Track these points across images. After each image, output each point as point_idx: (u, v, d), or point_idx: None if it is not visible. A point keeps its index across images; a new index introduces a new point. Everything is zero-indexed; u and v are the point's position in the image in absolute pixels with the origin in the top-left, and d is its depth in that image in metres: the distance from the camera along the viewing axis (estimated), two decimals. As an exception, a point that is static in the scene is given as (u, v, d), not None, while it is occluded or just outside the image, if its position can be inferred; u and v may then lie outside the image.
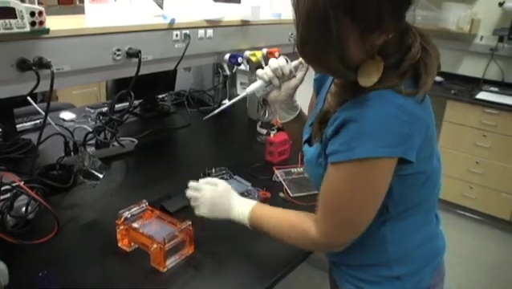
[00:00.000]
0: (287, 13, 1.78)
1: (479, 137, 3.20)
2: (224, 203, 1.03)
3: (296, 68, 1.04)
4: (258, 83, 1.05)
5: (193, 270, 1.03)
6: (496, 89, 3.37)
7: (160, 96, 2.31)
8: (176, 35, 1.27)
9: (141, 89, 1.98)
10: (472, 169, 3.27)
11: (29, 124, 1.80)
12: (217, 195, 1.03)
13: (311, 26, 0.74)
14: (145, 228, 1.05)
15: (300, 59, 1.05)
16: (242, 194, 1.28)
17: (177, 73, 2.25)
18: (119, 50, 1.14)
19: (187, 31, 1.29)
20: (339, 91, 0.88)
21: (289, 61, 1.04)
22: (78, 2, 3.68)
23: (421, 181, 0.88)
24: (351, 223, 0.86)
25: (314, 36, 0.75)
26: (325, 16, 0.72)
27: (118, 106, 1.74)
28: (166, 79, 2.19)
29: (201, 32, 1.34)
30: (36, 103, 1.67)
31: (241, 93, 1.08)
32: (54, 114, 1.96)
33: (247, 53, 1.52)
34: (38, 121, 1.81)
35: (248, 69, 1.59)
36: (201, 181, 1.07)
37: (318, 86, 1.05)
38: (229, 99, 1.99)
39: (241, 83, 2.70)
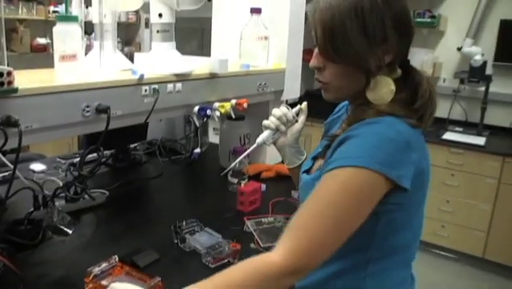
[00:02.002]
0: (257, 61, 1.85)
1: (447, 176, 3.30)
2: None
3: (297, 113, 1.18)
4: (266, 133, 1.18)
5: (163, 327, 1.01)
6: (460, 129, 3.52)
7: (132, 146, 2.32)
8: (145, 90, 1.30)
9: (113, 139, 1.99)
10: (443, 208, 3.35)
11: (-5, 177, 1.78)
12: None
13: (332, 27, 0.86)
14: (114, 285, 1.04)
15: (299, 106, 1.20)
16: (213, 246, 1.29)
17: (149, 122, 2.27)
18: (88, 106, 1.16)
19: (156, 86, 1.32)
20: (350, 117, 0.94)
21: (290, 108, 1.18)
22: (51, 50, 3.71)
23: (407, 220, 0.90)
24: (322, 237, 0.78)
25: (333, 37, 0.86)
26: (342, 18, 0.85)
27: (90, 156, 1.75)
28: (138, 129, 2.21)
29: (169, 86, 1.38)
30: (5, 154, 1.65)
31: (253, 144, 1.20)
32: (24, 165, 1.93)
33: (216, 104, 1.56)
34: (6, 173, 1.79)
35: (217, 119, 1.63)
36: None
37: (327, 128, 1.13)
38: (201, 148, 2.02)
39: (214, 129, 2.74)
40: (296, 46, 2.02)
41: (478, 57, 3.35)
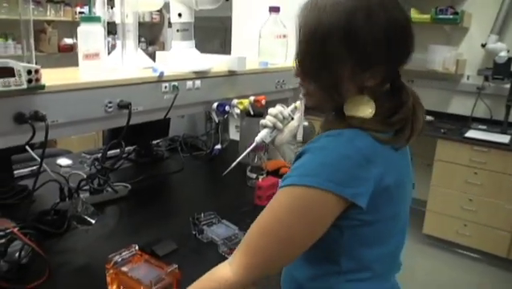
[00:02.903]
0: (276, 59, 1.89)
1: (470, 175, 3.26)
2: None
3: (293, 112, 1.22)
4: (264, 131, 1.21)
5: (179, 312, 1.06)
6: (484, 127, 3.46)
7: (155, 142, 2.39)
8: (165, 87, 1.36)
9: (136, 136, 2.06)
10: (465, 207, 3.31)
11: (26, 170, 1.86)
12: None
13: (313, 43, 0.80)
14: (134, 272, 1.09)
15: (294, 104, 1.22)
16: (229, 238, 1.33)
17: (171, 119, 2.33)
18: (110, 102, 1.21)
19: (175, 83, 1.37)
20: (323, 123, 0.93)
21: (285, 107, 1.22)
22: (77, 50, 3.83)
23: (378, 236, 0.86)
24: (269, 254, 0.83)
25: (313, 54, 0.81)
26: (324, 37, 0.78)
27: (113, 152, 1.82)
28: (160, 126, 2.27)
29: (189, 83, 1.43)
30: (34, 149, 1.73)
31: (252, 144, 1.22)
32: (51, 160, 2.03)
33: (235, 101, 1.61)
34: (34, 167, 1.87)
35: (236, 116, 1.66)
36: None
37: None
38: (222, 144, 2.07)
39: (236, 127, 2.78)
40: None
41: (503, 53, 3.29)
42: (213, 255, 1.30)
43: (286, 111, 1.21)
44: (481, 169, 3.21)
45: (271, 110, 1.21)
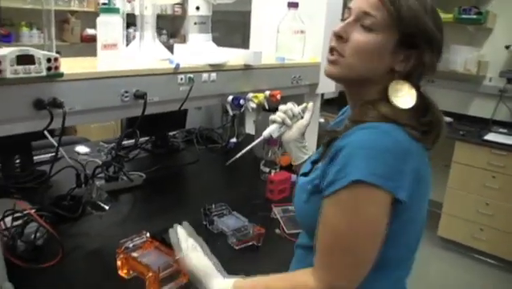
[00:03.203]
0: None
1: (488, 178, 3.21)
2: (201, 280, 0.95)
3: (303, 110, 1.23)
4: (273, 126, 1.22)
5: (186, 298, 1.09)
6: (505, 130, 3.41)
7: (171, 133, 2.42)
8: (181, 79, 1.38)
9: (153, 127, 2.10)
10: (482, 210, 3.27)
11: (45, 156, 1.91)
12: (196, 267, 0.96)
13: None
14: (143, 257, 1.12)
15: (306, 103, 1.25)
16: (239, 229, 1.35)
17: (188, 111, 2.36)
18: (127, 92, 1.24)
19: (191, 75, 1.39)
20: (353, 116, 0.89)
21: (295, 105, 1.24)
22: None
23: (401, 234, 0.85)
24: (352, 264, 0.81)
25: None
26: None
27: (131, 142, 1.86)
28: (177, 118, 2.30)
29: (204, 76, 1.45)
30: (54, 136, 1.78)
31: (260, 137, 1.24)
32: (70, 147, 2.08)
33: (250, 95, 1.62)
34: (54, 154, 1.92)
35: (251, 110, 1.68)
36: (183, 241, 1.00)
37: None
38: (237, 138, 2.09)
39: (254, 122, 2.81)
40: (332, 40, 2.04)
41: (527, 56, 3.24)
42: (222, 246, 1.33)
43: (297, 109, 1.23)
44: (500, 173, 3.16)
45: (282, 106, 1.23)
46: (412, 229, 0.88)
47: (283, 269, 1.10)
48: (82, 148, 2.08)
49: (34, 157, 1.81)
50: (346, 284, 0.81)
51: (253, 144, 1.24)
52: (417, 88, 0.89)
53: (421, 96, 0.88)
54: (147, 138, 2.24)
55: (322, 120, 2.57)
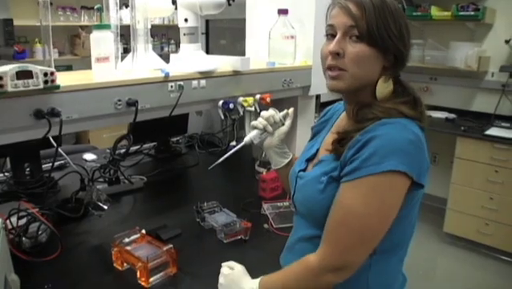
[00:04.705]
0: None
1: (491, 173, 3.23)
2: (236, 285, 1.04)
3: (284, 117, 1.25)
4: (254, 132, 1.24)
5: (173, 287, 1.19)
6: (507, 124, 3.42)
7: (174, 139, 2.54)
8: (171, 86, 1.48)
9: (155, 132, 2.21)
10: (486, 205, 3.28)
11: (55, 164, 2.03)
12: (230, 278, 1.06)
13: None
14: (135, 250, 1.23)
15: (287, 110, 1.27)
16: (227, 224, 1.45)
17: (189, 117, 2.47)
18: (120, 100, 1.35)
19: (181, 82, 1.50)
20: (358, 116, 0.97)
21: (277, 111, 1.26)
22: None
23: (410, 216, 0.95)
24: (358, 243, 0.89)
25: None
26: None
27: (135, 148, 1.99)
28: (179, 123, 2.42)
29: (194, 83, 1.55)
30: (61, 145, 1.91)
31: (241, 142, 1.27)
32: (79, 155, 2.22)
33: (240, 99, 1.72)
34: (62, 161, 2.05)
35: (241, 113, 1.77)
36: (223, 264, 1.10)
37: (316, 132, 1.20)
38: (237, 141, 2.18)
39: (250, 125, 2.90)
40: (322, 44, 2.12)
41: (528, 50, 3.25)
42: (211, 240, 1.43)
43: (278, 115, 1.24)
44: (503, 167, 3.18)
45: (264, 113, 1.24)
46: (416, 210, 0.97)
47: (270, 259, 1.19)
48: (89, 156, 2.22)
49: (43, 165, 1.94)
50: (345, 264, 0.90)
51: (234, 150, 1.26)
52: (397, 78, 1.00)
53: (405, 88, 0.99)
54: (151, 144, 2.37)
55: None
